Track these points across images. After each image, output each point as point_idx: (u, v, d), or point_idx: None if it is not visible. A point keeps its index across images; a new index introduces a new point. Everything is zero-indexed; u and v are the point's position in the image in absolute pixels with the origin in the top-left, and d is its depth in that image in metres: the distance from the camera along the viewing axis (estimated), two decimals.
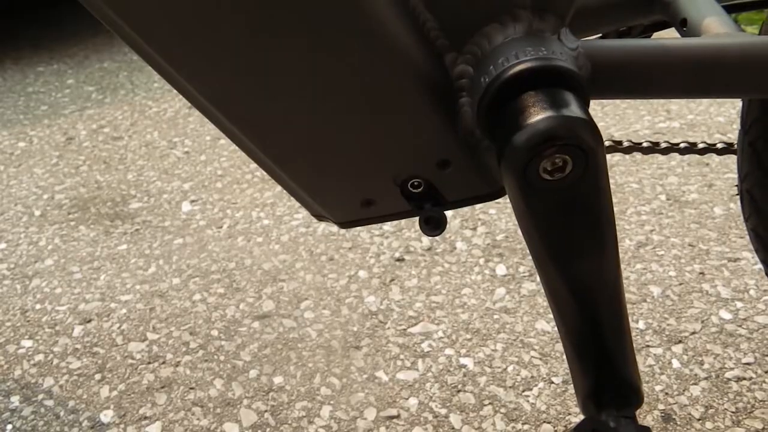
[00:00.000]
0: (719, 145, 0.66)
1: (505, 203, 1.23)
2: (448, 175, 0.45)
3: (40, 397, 0.88)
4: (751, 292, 0.95)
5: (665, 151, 0.67)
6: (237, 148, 1.53)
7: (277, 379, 0.88)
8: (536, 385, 0.83)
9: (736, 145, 0.64)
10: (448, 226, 1.21)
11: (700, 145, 0.67)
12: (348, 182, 0.45)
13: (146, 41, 0.35)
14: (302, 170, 0.44)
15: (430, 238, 1.14)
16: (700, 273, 1.00)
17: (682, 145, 0.67)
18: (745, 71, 0.39)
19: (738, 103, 1.54)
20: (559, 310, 0.43)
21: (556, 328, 0.92)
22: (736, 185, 0.60)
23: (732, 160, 1.29)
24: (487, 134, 0.40)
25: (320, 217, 0.49)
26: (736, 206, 1.15)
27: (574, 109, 0.36)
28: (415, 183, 0.46)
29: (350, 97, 0.40)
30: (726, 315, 0.91)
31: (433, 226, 0.45)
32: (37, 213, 1.33)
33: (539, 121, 0.35)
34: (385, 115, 0.41)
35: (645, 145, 0.66)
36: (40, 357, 0.96)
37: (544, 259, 0.40)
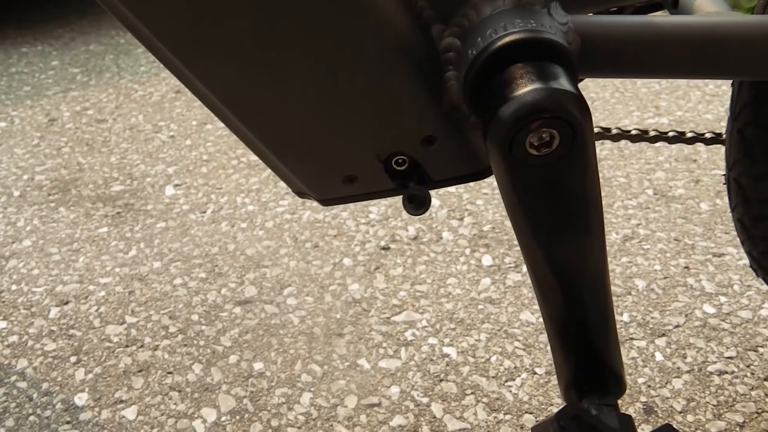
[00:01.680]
0: (707, 135, 0.66)
1: (492, 194, 1.22)
2: (433, 153, 0.44)
3: (13, 378, 0.86)
4: (735, 287, 0.95)
5: (653, 140, 0.66)
6: (223, 133, 1.50)
7: (258, 365, 0.87)
8: (519, 376, 0.83)
9: (724, 136, 0.64)
10: (435, 215, 1.20)
11: (689, 135, 0.66)
12: (330, 157, 0.44)
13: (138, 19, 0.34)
14: (284, 144, 0.43)
15: (416, 227, 1.13)
16: (685, 267, 1.00)
17: (670, 134, 0.66)
18: (736, 51, 0.38)
19: (726, 100, 1.54)
20: (543, 295, 0.42)
21: (540, 320, 0.92)
22: (724, 175, 0.59)
23: (719, 156, 1.29)
24: (473, 108, 0.39)
25: (302, 194, 0.48)
26: (722, 202, 1.15)
27: (562, 83, 0.35)
28: (400, 160, 0.45)
29: (332, 69, 0.38)
30: (710, 309, 0.91)
31: (417, 204, 0.43)
32: (17, 193, 1.31)
33: (526, 93, 0.34)
34: (368, 88, 0.40)
35: (633, 132, 0.65)
36: (14, 338, 0.93)
37: (529, 240, 0.39)
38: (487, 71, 0.37)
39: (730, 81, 0.56)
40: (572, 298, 0.42)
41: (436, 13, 0.39)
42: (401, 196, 0.45)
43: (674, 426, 0.46)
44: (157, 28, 0.35)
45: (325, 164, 0.44)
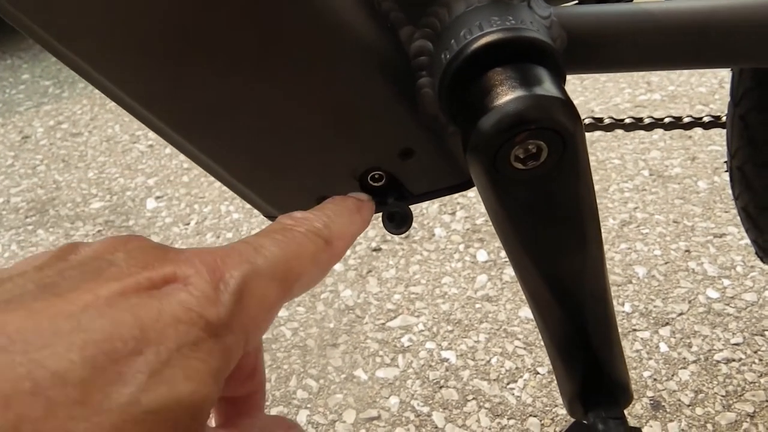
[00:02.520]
0: (705, 119, 0.62)
1: None
2: (411, 166, 0.40)
3: None
4: (738, 268, 0.92)
5: (649, 127, 0.63)
6: None
7: None
8: (521, 377, 0.80)
9: (724, 118, 0.60)
10: (426, 211, 1.17)
11: (686, 120, 0.63)
12: (300, 180, 0.40)
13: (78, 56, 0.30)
14: (251, 171, 0.39)
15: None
16: (686, 251, 0.97)
17: (666, 120, 0.62)
18: (738, 37, 0.35)
19: (719, 72, 1.51)
20: (539, 313, 0.39)
21: None
22: (725, 161, 0.56)
23: (716, 131, 1.25)
24: (450, 118, 0.35)
25: (274, 219, 0.44)
26: (720, 179, 1.12)
27: (548, 87, 0.31)
28: (376, 176, 0.41)
29: (295, 84, 0.34)
30: (713, 294, 0.88)
31: (398, 222, 0.40)
32: None
33: (508, 102, 0.30)
34: (336, 102, 0.36)
35: (628, 121, 0.62)
36: None
37: (520, 258, 0.36)
38: (463, 77, 0.33)
39: None
40: (571, 314, 0.39)
41: (405, 14, 0.35)
42: (380, 215, 0.41)
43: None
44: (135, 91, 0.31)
45: (297, 188, 0.40)
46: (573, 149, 0.31)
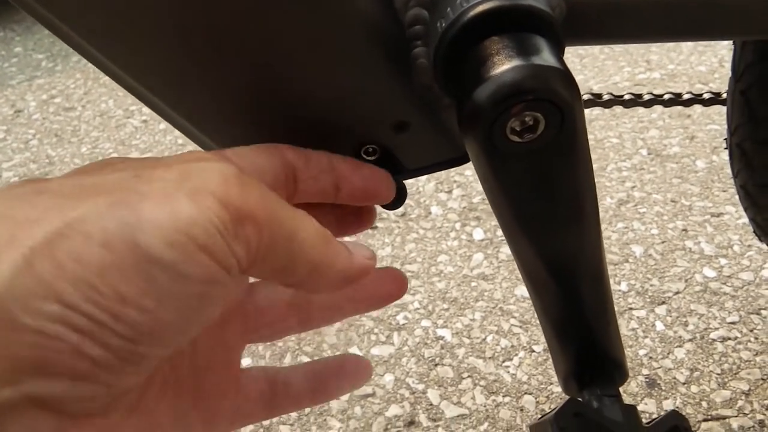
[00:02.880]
0: (706, 96, 0.61)
1: None
2: (406, 140, 0.39)
3: None
4: (735, 247, 0.92)
5: (648, 104, 0.61)
6: None
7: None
8: (516, 355, 0.80)
9: (724, 95, 0.59)
10: (422, 189, 1.16)
11: (685, 96, 0.62)
12: None
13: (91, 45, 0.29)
14: (238, 140, 0.38)
15: (404, 203, 1.09)
16: (683, 230, 0.96)
17: (666, 97, 0.61)
18: (743, 8, 0.34)
19: (719, 51, 1.49)
20: (535, 290, 0.38)
21: None
22: (725, 139, 0.55)
23: (715, 111, 1.24)
24: (445, 89, 0.34)
25: None
26: (718, 159, 1.11)
27: (546, 57, 0.30)
28: (370, 149, 0.40)
29: (287, 52, 0.33)
30: (710, 273, 0.88)
31: (394, 198, 0.39)
32: None
33: (505, 72, 0.29)
34: (330, 71, 0.35)
35: (627, 97, 0.61)
36: None
37: (516, 235, 0.35)
38: (458, 47, 0.32)
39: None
40: (568, 293, 0.38)
41: None
42: None
43: (679, 412, 0.43)
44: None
45: None
46: (571, 122, 0.30)
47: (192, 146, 0.38)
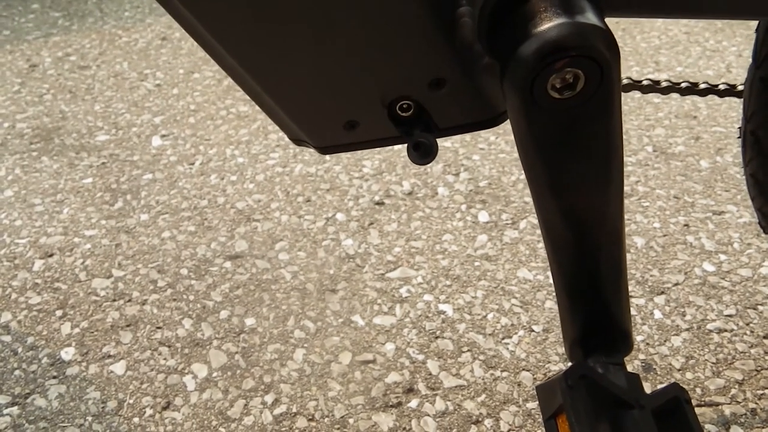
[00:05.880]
0: (721, 87, 0.63)
1: (489, 149, 1.19)
2: (441, 98, 0.41)
3: None
4: (735, 245, 0.94)
5: (665, 91, 0.63)
6: (211, 83, 1.44)
7: (249, 321, 0.85)
8: (516, 333, 0.82)
9: (740, 86, 0.61)
10: (430, 170, 1.17)
11: (702, 86, 0.63)
12: (331, 101, 0.41)
13: None
14: (284, 89, 0.39)
15: (411, 182, 1.10)
16: (685, 225, 0.98)
17: (683, 85, 0.63)
18: None
19: (727, 57, 1.51)
20: (554, 247, 0.40)
21: (537, 277, 0.90)
22: (739, 128, 0.56)
23: (721, 113, 1.26)
24: (489, 48, 0.35)
25: (299, 141, 0.45)
26: (722, 160, 1.13)
27: (589, 17, 0.31)
28: (404, 105, 0.41)
29: (335, 5, 0.34)
30: (709, 267, 0.90)
31: (423, 152, 0.40)
32: None
33: (550, 29, 0.31)
34: (372, 24, 0.37)
35: (645, 83, 0.62)
36: None
37: (543, 189, 0.36)
38: (505, 5, 0.33)
39: (753, 30, 0.52)
40: (587, 251, 0.40)
41: None
42: (405, 145, 0.42)
43: (679, 384, 0.45)
44: None
45: (326, 109, 0.40)
46: (609, 81, 0.32)
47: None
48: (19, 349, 0.81)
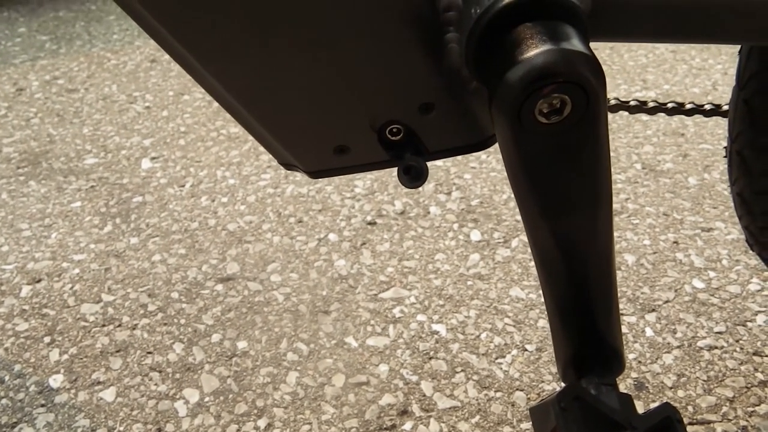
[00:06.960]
0: (707, 107, 0.64)
1: (480, 168, 1.20)
2: (430, 121, 0.41)
3: None
4: (724, 261, 0.95)
5: (652, 111, 0.64)
6: (201, 104, 1.44)
7: (241, 344, 0.84)
8: (509, 353, 0.81)
9: (725, 106, 0.62)
10: (422, 190, 1.18)
11: (688, 106, 0.64)
12: (320, 127, 0.41)
13: None
14: (273, 115, 0.39)
15: (403, 202, 1.10)
16: (674, 242, 0.99)
17: (669, 106, 0.64)
18: (761, 13, 0.36)
19: (713, 75, 1.53)
20: (545, 270, 0.40)
21: (530, 296, 0.90)
22: (725, 147, 0.57)
23: (708, 131, 1.28)
24: (476, 73, 0.36)
25: (289, 166, 0.45)
26: (710, 177, 1.14)
27: (575, 43, 0.32)
28: (394, 129, 0.42)
29: (324, 30, 0.35)
30: (699, 284, 0.91)
31: (414, 176, 0.41)
32: None
33: (537, 55, 0.31)
34: (361, 51, 0.37)
35: (632, 104, 0.63)
36: None
37: (533, 213, 0.37)
38: (492, 32, 0.34)
39: (737, 49, 0.53)
40: (577, 275, 0.40)
41: None
42: (396, 168, 0.42)
43: (671, 404, 0.45)
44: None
45: (316, 135, 0.41)
46: (595, 106, 0.32)
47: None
48: (6, 377, 0.80)
